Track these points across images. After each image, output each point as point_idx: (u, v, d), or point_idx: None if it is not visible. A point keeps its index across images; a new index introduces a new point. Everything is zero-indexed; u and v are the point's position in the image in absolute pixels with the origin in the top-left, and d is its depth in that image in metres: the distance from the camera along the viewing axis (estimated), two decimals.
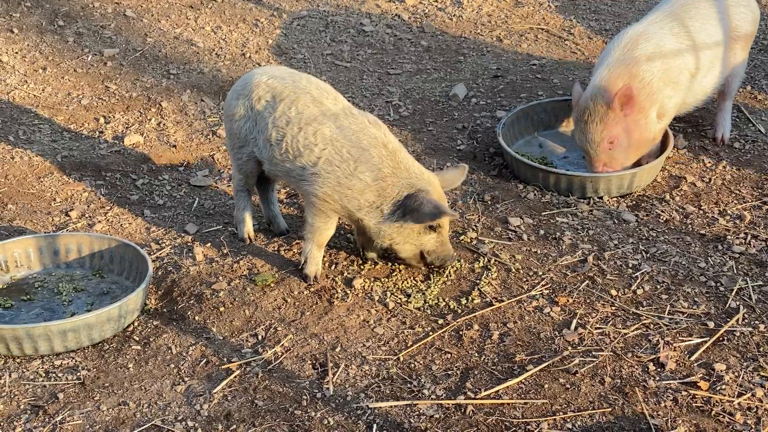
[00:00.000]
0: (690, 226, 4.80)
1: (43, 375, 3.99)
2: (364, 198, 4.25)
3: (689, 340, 4.09)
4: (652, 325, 4.17)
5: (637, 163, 5.08)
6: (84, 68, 6.19)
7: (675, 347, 4.05)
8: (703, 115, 5.63)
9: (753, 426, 3.68)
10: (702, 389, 3.84)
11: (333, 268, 4.51)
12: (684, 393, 3.83)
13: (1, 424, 3.74)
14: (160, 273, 4.48)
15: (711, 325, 4.16)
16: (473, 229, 4.75)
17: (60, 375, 3.99)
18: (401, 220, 4.26)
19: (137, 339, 4.16)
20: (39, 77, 6.11)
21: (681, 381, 3.89)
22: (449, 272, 4.46)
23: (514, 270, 4.49)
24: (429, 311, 4.28)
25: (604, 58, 5.08)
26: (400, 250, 4.37)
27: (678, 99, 5.10)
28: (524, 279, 4.45)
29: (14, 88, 6.00)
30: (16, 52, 6.32)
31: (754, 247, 4.62)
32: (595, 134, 4.92)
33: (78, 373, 3.99)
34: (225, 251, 4.62)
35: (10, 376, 3.97)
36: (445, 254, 4.39)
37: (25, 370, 4.00)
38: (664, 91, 5.01)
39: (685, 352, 4.03)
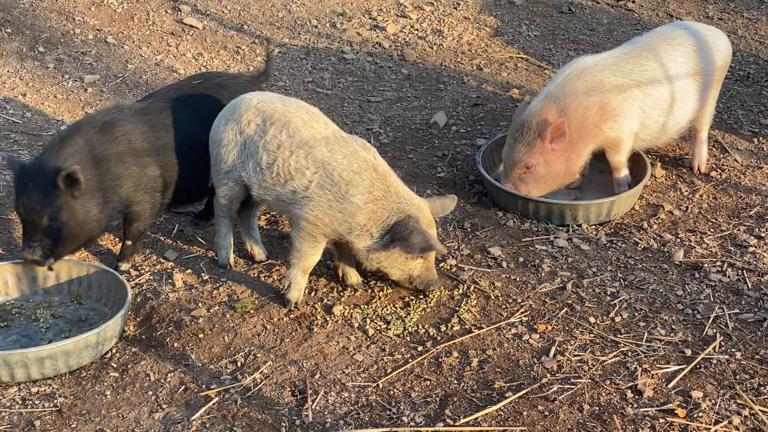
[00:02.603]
0: (667, 254, 4.83)
1: (20, 402, 3.96)
2: (355, 221, 4.27)
3: (667, 368, 4.11)
4: (630, 353, 4.19)
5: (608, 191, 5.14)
6: (64, 94, 6.19)
7: (653, 374, 4.07)
8: (681, 145, 5.68)
9: None
10: (679, 416, 3.86)
11: (313, 294, 4.51)
12: (661, 420, 3.84)
13: None
14: (138, 299, 4.47)
15: (688, 352, 4.19)
16: (453, 256, 4.77)
17: (37, 402, 3.96)
18: (390, 245, 4.29)
19: (115, 366, 4.14)
20: (19, 103, 6.10)
21: (658, 408, 3.91)
22: (429, 299, 4.48)
23: (493, 297, 4.50)
24: (408, 338, 4.28)
25: (548, 84, 5.12)
26: (389, 274, 4.41)
27: (627, 129, 5.08)
28: (503, 306, 4.46)
29: None
30: None
31: (729, 275, 4.66)
32: (517, 155, 5.00)
33: (55, 401, 3.96)
34: (205, 277, 4.62)
35: None
36: (430, 279, 4.44)
37: (1, 398, 3.97)
38: (603, 126, 5.03)
39: (663, 380, 4.05)
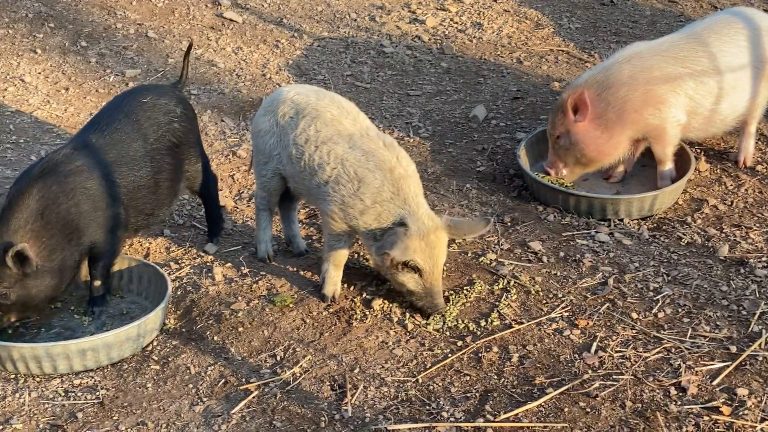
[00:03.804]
0: (712, 249, 4.77)
1: (63, 394, 3.99)
2: (363, 220, 4.24)
3: (711, 365, 4.05)
4: (673, 349, 4.13)
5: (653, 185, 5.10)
6: (106, 88, 6.23)
7: (697, 371, 4.02)
8: (726, 138, 5.60)
9: None
10: (724, 414, 3.80)
11: (352, 288, 4.51)
12: (706, 418, 3.79)
13: None
14: (179, 293, 4.49)
15: (733, 349, 4.13)
16: (493, 251, 4.73)
17: (79, 394, 3.99)
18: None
19: (156, 359, 4.16)
20: (61, 97, 6.15)
21: (703, 406, 3.85)
22: (469, 294, 4.45)
23: (533, 292, 4.47)
24: (448, 333, 4.26)
25: (597, 66, 5.20)
26: (390, 281, 4.35)
27: (676, 121, 5.03)
28: (544, 301, 4.42)
29: (37, 108, 6.04)
30: (39, 73, 6.37)
31: None
32: (549, 127, 5.12)
33: (97, 393, 3.99)
34: (244, 271, 4.62)
35: (29, 395, 3.98)
36: (429, 304, 4.26)
37: (44, 389, 4.01)
38: (644, 112, 4.99)
39: (707, 377, 4.00)
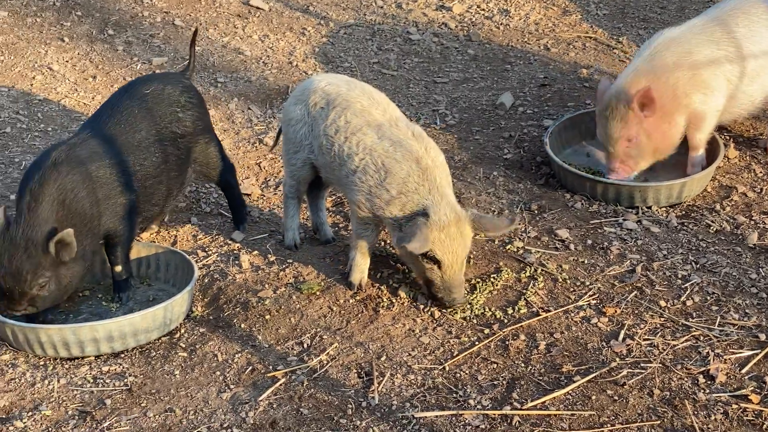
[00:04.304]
0: (741, 236, 4.73)
1: (91, 381, 4.02)
2: (388, 210, 4.23)
3: (740, 353, 4.02)
4: (702, 337, 4.11)
5: (683, 173, 5.04)
6: (133, 76, 6.25)
7: (725, 359, 3.99)
8: (755, 125, 5.55)
9: None
10: (753, 402, 3.78)
11: (378, 276, 4.51)
12: (735, 406, 3.77)
13: (50, 429, 3.78)
14: (206, 280, 4.50)
15: (762, 337, 4.09)
16: (520, 239, 4.72)
17: (108, 381, 4.02)
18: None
19: (183, 346, 4.18)
20: (89, 85, 6.18)
21: (731, 394, 3.83)
22: (496, 282, 4.43)
23: (560, 280, 4.45)
24: (475, 321, 4.25)
25: (634, 58, 5.10)
26: (411, 270, 4.34)
27: (715, 106, 5.02)
28: (571, 289, 4.41)
29: (65, 96, 6.07)
30: (67, 61, 6.40)
31: None
32: (615, 131, 4.94)
33: (125, 380, 4.02)
34: (271, 259, 4.63)
35: (58, 381, 4.01)
36: (448, 297, 4.23)
37: (73, 376, 4.04)
38: (693, 96, 4.95)
39: (736, 365, 3.97)
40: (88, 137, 4.35)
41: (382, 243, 4.66)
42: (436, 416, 3.78)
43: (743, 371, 3.93)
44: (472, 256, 4.45)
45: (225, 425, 3.77)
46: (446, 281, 4.21)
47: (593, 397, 3.83)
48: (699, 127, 5.03)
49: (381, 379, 3.97)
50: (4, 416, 3.84)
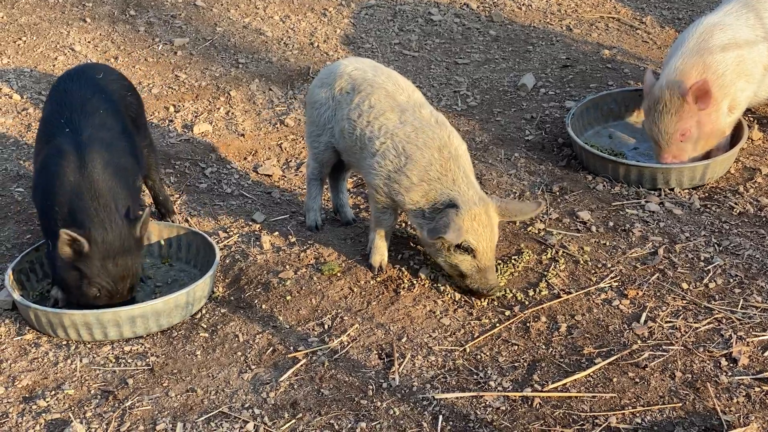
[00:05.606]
0: (764, 218, 4.69)
1: (113, 361, 4.04)
2: (409, 196, 4.21)
3: (763, 335, 4.00)
4: (724, 320, 4.09)
5: (707, 156, 5.00)
6: (155, 57, 6.26)
7: (748, 342, 3.97)
8: None
9: None
10: None
11: (399, 257, 4.50)
12: (757, 389, 3.75)
13: (72, 408, 3.81)
14: (227, 261, 4.51)
15: None
16: (541, 220, 4.70)
17: (130, 361, 4.04)
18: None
19: (205, 326, 4.20)
20: (110, 66, 6.18)
21: (754, 377, 3.81)
22: (517, 264, 4.42)
23: (582, 262, 4.43)
24: (496, 302, 4.25)
25: (677, 48, 5.01)
26: (438, 262, 4.31)
27: (750, 92, 5.02)
28: (593, 271, 4.39)
29: None
30: (89, 42, 6.41)
31: None
32: (669, 126, 4.85)
33: (147, 360, 4.04)
34: (292, 240, 4.64)
35: (81, 361, 4.03)
36: (484, 285, 4.21)
37: (95, 356, 4.06)
38: (737, 83, 4.92)
39: (759, 348, 3.95)
40: (77, 129, 4.32)
41: (403, 225, 4.66)
42: (457, 398, 3.78)
43: (766, 354, 3.91)
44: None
45: (246, 405, 3.79)
46: (481, 269, 4.19)
47: (614, 380, 3.82)
48: (731, 112, 5.00)
49: (402, 360, 3.97)
50: (27, 395, 3.87)
